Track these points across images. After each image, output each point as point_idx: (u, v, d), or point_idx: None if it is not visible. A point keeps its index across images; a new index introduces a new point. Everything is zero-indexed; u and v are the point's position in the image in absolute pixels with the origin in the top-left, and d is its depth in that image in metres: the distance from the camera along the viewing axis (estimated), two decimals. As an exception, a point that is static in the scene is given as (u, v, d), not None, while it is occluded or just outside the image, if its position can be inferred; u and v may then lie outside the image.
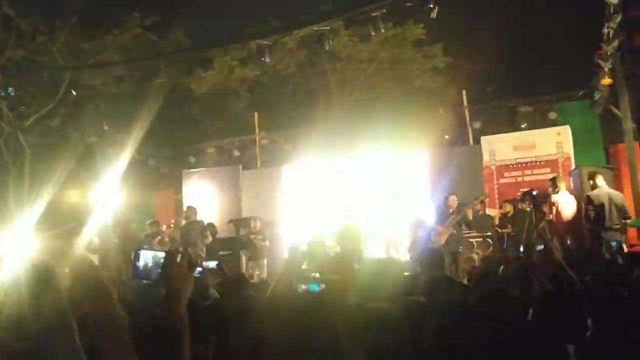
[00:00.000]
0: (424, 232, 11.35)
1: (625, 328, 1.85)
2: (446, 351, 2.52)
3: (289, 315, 2.78)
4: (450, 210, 10.64)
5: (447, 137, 13.37)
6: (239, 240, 11.50)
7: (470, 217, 10.31)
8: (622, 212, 8.07)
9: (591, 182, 8.40)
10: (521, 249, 8.05)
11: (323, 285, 3.65)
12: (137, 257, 2.11)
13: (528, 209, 9.22)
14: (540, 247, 3.87)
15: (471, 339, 2.68)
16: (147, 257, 2.09)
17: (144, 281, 2.21)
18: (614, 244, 7.62)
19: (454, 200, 10.63)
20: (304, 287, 3.71)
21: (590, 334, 1.89)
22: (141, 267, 2.08)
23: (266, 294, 4.32)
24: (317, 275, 4.21)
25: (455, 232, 10.34)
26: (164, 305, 1.93)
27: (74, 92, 13.40)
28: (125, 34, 14.83)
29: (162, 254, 2.08)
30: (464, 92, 12.84)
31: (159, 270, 2.06)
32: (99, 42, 14.65)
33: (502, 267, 4.91)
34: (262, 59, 11.50)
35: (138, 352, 1.86)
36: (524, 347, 2.67)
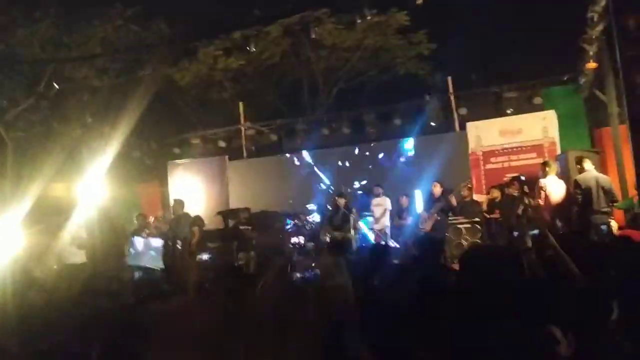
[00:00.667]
0: (411, 219, 11.48)
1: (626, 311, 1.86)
2: (446, 339, 2.52)
3: (285, 302, 2.76)
4: (435, 198, 10.82)
5: (432, 123, 13.37)
6: (229, 231, 11.44)
7: (454, 204, 10.46)
8: (610, 196, 8.13)
9: (579, 166, 8.45)
10: (515, 234, 8.11)
11: (317, 271, 3.63)
12: (131, 244, 2.09)
13: (516, 194, 9.29)
14: (534, 232, 3.86)
15: (467, 326, 2.67)
16: (141, 244, 2.06)
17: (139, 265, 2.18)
18: (603, 227, 7.68)
19: (437, 187, 10.82)
20: (298, 275, 3.68)
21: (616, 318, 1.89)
22: (136, 253, 2.06)
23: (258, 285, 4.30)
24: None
25: (439, 218, 10.50)
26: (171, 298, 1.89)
27: (56, 85, 13.19)
28: (107, 25, 14.59)
29: (156, 241, 2.05)
30: (449, 78, 12.85)
31: (153, 254, 2.04)
32: (80, 34, 14.40)
33: (492, 252, 4.89)
34: (247, 48, 11.42)
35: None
36: (514, 333, 2.67)
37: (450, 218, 10.50)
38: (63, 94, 14.24)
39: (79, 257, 10.03)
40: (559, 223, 8.19)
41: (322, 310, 2.39)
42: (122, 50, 14.70)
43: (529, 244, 3.67)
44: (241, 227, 11.17)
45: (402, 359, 2.37)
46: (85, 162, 13.61)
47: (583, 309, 2.63)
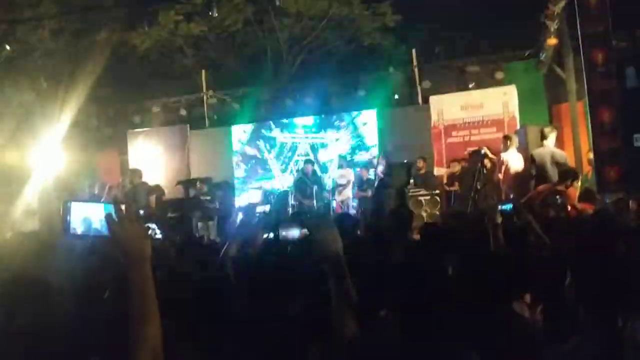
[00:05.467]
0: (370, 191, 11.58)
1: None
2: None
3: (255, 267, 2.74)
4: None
5: (396, 96, 13.41)
6: (189, 202, 11.30)
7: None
8: (562, 171, 8.29)
9: (544, 140, 8.48)
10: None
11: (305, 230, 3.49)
12: (67, 211, 1.73)
13: (476, 168, 9.43)
14: (504, 207, 3.88)
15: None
16: (81, 210, 1.74)
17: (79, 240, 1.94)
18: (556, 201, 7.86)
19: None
20: (284, 233, 3.51)
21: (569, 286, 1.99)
22: (75, 222, 1.73)
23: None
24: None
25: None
26: (121, 271, 1.62)
27: (7, 47, 12.63)
28: (61, -15, 13.98)
29: (100, 206, 1.74)
30: (413, 51, 12.84)
31: (96, 227, 1.73)
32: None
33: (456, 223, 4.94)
34: (209, 13, 11.14)
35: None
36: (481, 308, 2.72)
37: (411, 190, 10.67)
38: (15, 57, 13.66)
39: (31, 224, 9.82)
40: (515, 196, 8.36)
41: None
42: (77, 12, 14.12)
43: (499, 220, 3.68)
44: (202, 198, 11.05)
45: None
46: (40, 129, 13.16)
47: (545, 276, 2.71)
